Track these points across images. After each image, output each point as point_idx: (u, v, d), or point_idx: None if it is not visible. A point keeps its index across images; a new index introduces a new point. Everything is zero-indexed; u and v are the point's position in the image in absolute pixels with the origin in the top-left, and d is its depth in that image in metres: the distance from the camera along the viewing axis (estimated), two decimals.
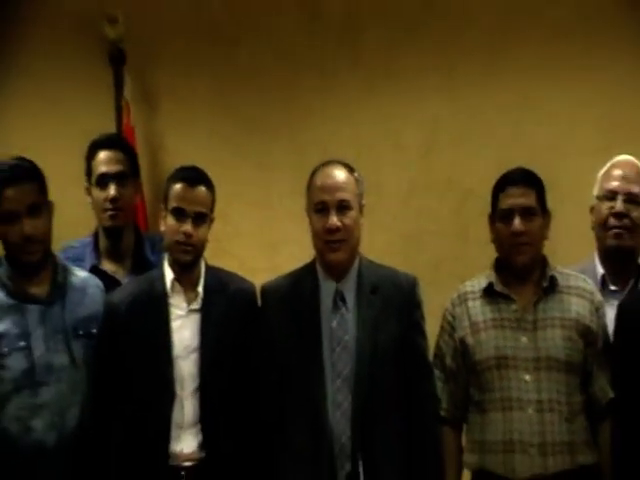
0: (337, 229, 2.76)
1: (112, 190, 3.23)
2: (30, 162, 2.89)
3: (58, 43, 3.95)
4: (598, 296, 2.88)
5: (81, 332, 2.87)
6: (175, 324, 2.85)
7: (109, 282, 3.09)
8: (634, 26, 3.77)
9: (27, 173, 2.86)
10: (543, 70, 3.86)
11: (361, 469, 2.66)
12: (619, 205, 3.01)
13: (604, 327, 2.85)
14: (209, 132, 3.96)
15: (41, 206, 2.84)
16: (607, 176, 3.09)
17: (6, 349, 2.77)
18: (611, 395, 2.79)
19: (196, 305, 2.87)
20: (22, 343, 2.79)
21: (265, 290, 2.92)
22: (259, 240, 3.67)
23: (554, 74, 3.84)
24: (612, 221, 3.03)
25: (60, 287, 2.89)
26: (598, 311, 2.84)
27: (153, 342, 2.84)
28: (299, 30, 3.97)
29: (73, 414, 2.81)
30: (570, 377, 2.77)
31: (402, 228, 3.72)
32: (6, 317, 2.80)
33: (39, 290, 2.85)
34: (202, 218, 2.85)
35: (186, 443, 2.81)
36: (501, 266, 2.86)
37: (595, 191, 3.11)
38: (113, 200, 3.23)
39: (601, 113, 3.75)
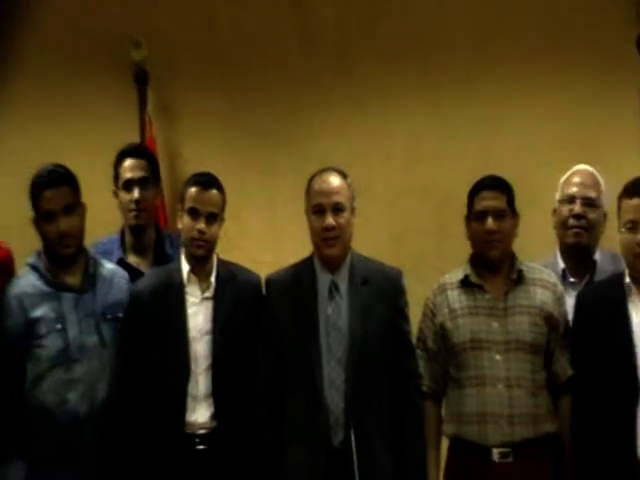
0: (332, 228, 2.78)
1: (136, 193, 3.25)
2: (65, 168, 2.92)
3: (90, 66, 3.93)
4: (560, 287, 2.91)
5: (109, 316, 2.90)
6: (190, 310, 2.88)
7: (133, 273, 3.12)
8: (584, 59, 3.81)
9: (63, 178, 2.89)
10: (509, 94, 3.93)
11: (353, 437, 2.67)
12: (577, 208, 3.05)
13: (565, 314, 2.88)
14: (221, 143, 3.96)
15: (75, 206, 2.87)
16: (567, 183, 3.13)
17: (44, 331, 2.81)
18: (570, 372, 2.82)
19: (209, 294, 2.89)
20: (58, 326, 2.82)
21: (269, 281, 2.94)
22: (265, 237, 3.67)
23: (518, 97, 3.87)
24: (572, 222, 3.06)
25: (91, 277, 2.93)
26: (560, 300, 2.88)
27: (171, 326, 2.87)
28: (300, 56, 3.97)
29: (102, 387, 2.85)
30: (535, 357, 2.80)
31: (389, 227, 3.73)
32: (44, 303, 2.83)
33: (73, 280, 2.89)
34: (214, 217, 2.87)
35: (200, 413, 2.83)
36: (475, 260, 2.88)
37: (557, 196, 3.14)
38: (137, 202, 3.25)
39: (558, 130, 3.77)
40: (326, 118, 3.96)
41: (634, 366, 2.68)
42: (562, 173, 3.19)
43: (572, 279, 3.07)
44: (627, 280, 2.76)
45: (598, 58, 3.82)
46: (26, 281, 2.89)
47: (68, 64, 3.97)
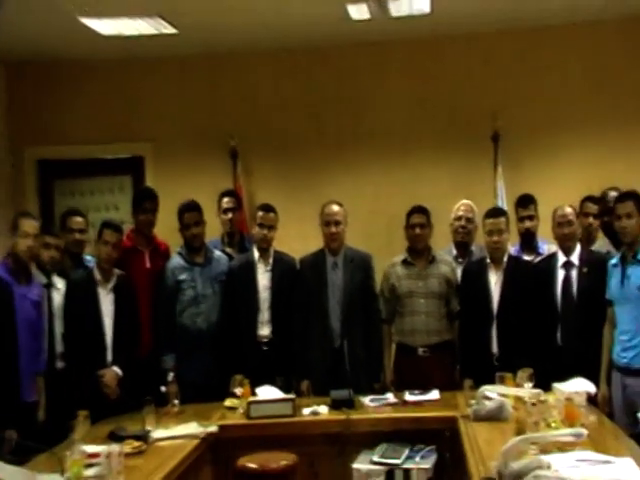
0: (334, 234, 2.86)
1: (229, 215, 3.28)
2: (195, 202, 3.00)
3: (207, 149, 3.84)
4: (453, 264, 2.97)
5: (218, 279, 2.94)
6: (260, 276, 2.91)
7: (229, 257, 3.13)
8: (467, 147, 3.68)
9: (194, 206, 2.96)
10: (424, 164, 3.73)
11: (345, 343, 2.74)
12: (463, 222, 3.08)
13: (456, 278, 2.92)
14: (275, 189, 3.77)
15: (200, 222, 2.94)
16: (457, 209, 3.13)
17: (185, 287, 2.89)
18: (458, 308, 2.89)
19: (269, 267, 2.93)
20: (192, 284, 2.89)
21: (300, 261, 2.99)
22: (299, 237, 3.39)
23: (429, 166, 3.72)
24: (460, 230, 3.09)
25: (208, 258, 2.96)
26: (454, 271, 2.93)
27: (248, 284, 2.90)
28: (317, 146, 3.82)
29: (214, 316, 2.90)
30: (440, 301, 2.87)
31: (363, 231, 3.42)
32: (184, 272, 2.90)
33: (199, 259, 2.93)
34: (272, 228, 2.91)
35: (264, 330, 2.88)
36: (410, 250, 2.92)
37: (452, 215, 3.12)
38: (230, 220, 3.27)
39: (451, 183, 3.64)
40: (330, 177, 3.80)
41: (482, 301, 2.73)
42: (454, 204, 3.16)
43: (460, 259, 3.07)
44: (488, 260, 2.82)
45: (472, 146, 3.68)
46: (175, 260, 2.94)
47: (194, 148, 3.83)
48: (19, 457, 1.87)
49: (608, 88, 3.55)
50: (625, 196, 2.53)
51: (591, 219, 2.96)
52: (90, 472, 1.79)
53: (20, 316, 2.48)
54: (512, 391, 2.29)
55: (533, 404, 2.04)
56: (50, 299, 2.69)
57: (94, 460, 1.83)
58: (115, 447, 1.85)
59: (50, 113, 3.83)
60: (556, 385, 2.30)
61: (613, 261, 2.58)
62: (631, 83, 3.53)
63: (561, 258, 2.77)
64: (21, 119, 3.83)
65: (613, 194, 2.88)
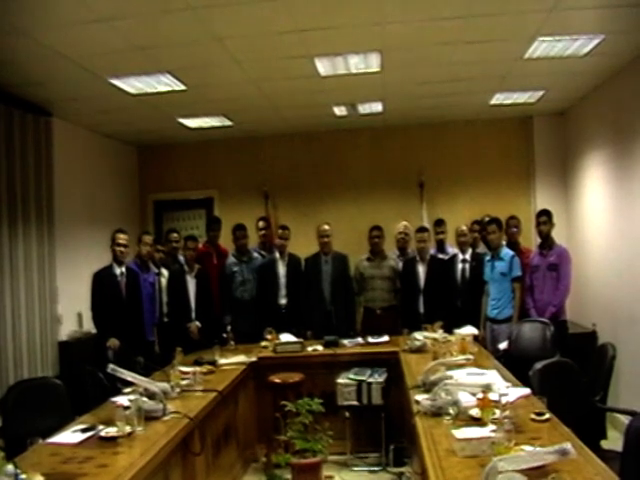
0: (325, 242, 2.83)
1: (263, 232, 3.17)
2: (243, 225, 2.95)
3: (250, 195, 3.73)
4: (397, 260, 2.94)
5: (255, 270, 2.89)
6: (279, 269, 2.86)
7: (262, 257, 3.05)
8: (404, 192, 3.59)
9: (242, 226, 2.93)
10: (380, 200, 3.59)
11: (333, 308, 2.73)
12: (403, 235, 3.02)
13: (399, 268, 2.89)
14: (290, 216, 3.56)
15: (246, 235, 2.92)
16: (399, 227, 3.04)
17: (237, 274, 2.86)
18: (399, 286, 2.88)
19: (285, 263, 2.86)
20: (241, 273, 2.87)
21: (305, 259, 2.91)
22: (305, 245, 3.09)
23: (381, 200, 3.60)
24: (401, 240, 3.02)
25: (250, 258, 2.93)
26: (397, 264, 2.90)
27: (273, 273, 2.84)
28: (316, 192, 3.71)
29: (254, 292, 2.86)
30: (389, 282, 2.85)
31: (345, 240, 3.21)
32: (236, 266, 2.87)
33: (245, 258, 2.91)
34: (286, 239, 2.86)
35: (282, 301, 2.83)
36: (371, 251, 2.89)
37: (396, 231, 3.03)
38: (264, 236, 3.17)
39: (394, 213, 3.37)
40: (324, 208, 3.62)
41: (414, 282, 2.78)
42: (398, 224, 3.06)
43: (401, 257, 2.99)
44: (417, 258, 2.84)
45: (407, 190, 3.60)
46: (231, 259, 2.91)
47: (242, 192, 3.78)
48: (145, 373, 1.95)
49: (483, 158, 3.66)
50: (491, 221, 2.73)
51: (476, 234, 3.01)
52: (184, 382, 1.90)
53: (143, 291, 2.60)
54: (431, 335, 2.36)
55: (443, 342, 2.19)
56: (159, 282, 2.78)
57: (186, 375, 1.94)
58: (197, 368, 2.02)
59: (161, 173, 3.94)
60: (456, 330, 2.39)
61: (487, 258, 2.72)
62: (495, 156, 3.65)
63: (460, 256, 2.83)
64: (145, 178, 3.97)
65: (486, 219, 2.96)
